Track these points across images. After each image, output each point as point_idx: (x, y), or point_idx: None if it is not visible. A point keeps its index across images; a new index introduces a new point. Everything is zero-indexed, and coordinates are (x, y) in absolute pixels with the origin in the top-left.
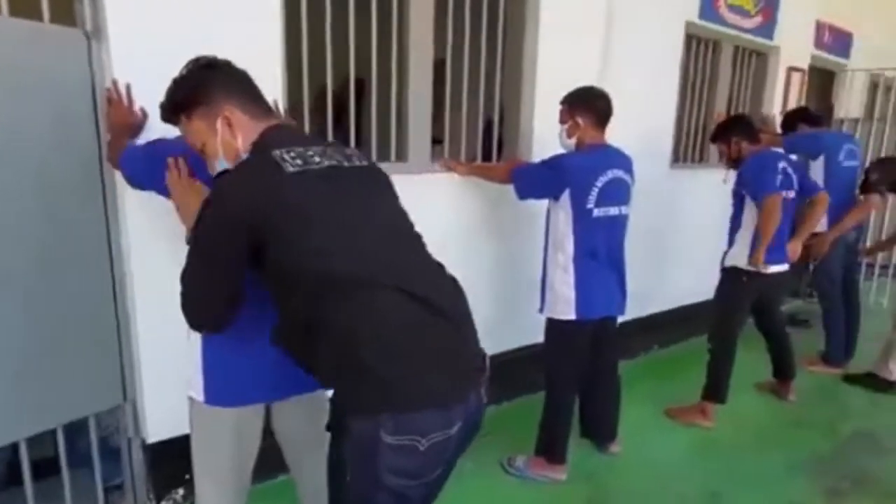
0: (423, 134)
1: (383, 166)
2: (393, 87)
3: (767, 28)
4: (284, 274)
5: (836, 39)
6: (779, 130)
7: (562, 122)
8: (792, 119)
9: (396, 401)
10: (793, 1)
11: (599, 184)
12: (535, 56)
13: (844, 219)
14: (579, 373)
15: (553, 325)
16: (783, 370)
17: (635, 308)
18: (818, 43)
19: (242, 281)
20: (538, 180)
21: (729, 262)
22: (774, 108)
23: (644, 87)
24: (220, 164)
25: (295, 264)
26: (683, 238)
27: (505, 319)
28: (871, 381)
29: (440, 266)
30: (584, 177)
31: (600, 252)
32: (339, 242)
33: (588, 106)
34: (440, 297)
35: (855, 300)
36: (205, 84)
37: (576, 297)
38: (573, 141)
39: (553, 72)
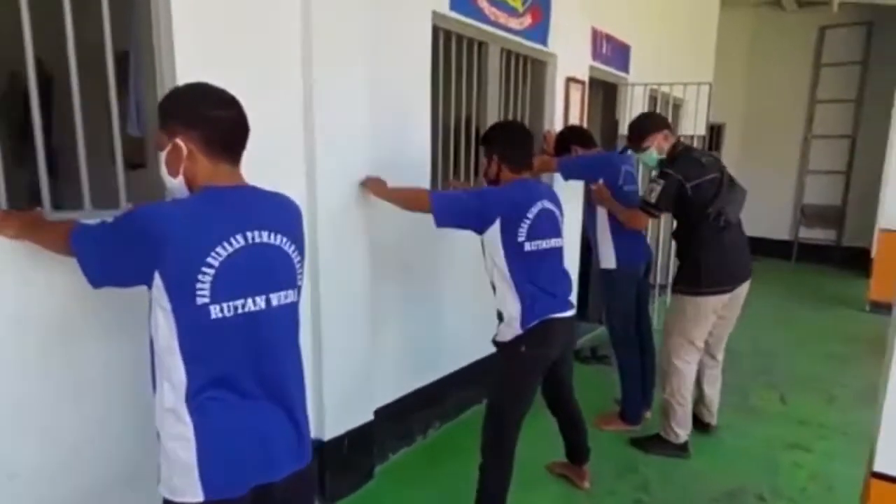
0: None
1: None
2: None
3: (539, 31)
4: None
5: (615, 51)
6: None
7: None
8: (564, 140)
9: None
10: (565, 4)
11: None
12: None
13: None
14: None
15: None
16: (576, 454)
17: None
18: (597, 54)
19: None
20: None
21: (502, 337)
22: (556, 122)
23: (389, 95)
24: None
25: None
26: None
27: None
28: (659, 446)
29: None
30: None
31: None
32: None
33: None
34: None
35: (649, 341)
36: None
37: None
38: None
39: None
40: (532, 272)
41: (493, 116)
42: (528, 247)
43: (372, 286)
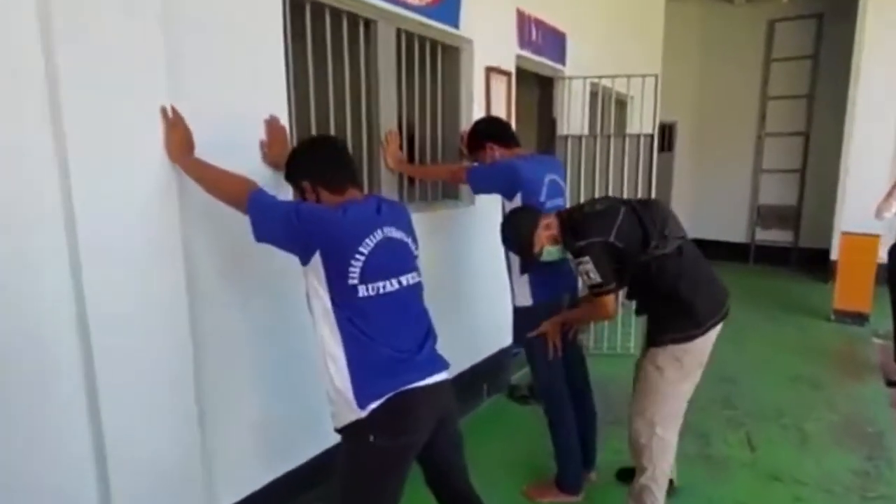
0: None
1: None
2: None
3: (446, 10)
4: None
5: (548, 39)
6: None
7: None
8: (479, 135)
9: None
10: None
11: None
12: None
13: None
14: None
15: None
16: None
17: None
18: (525, 41)
19: None
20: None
21: (339, 419)
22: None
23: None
24: None
25: None
26: None
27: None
28: None
29: None
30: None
31: None
32: None
33: None
34: None
35: (585, 386)
36: None
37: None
38: None
39: None
40: (372, 326)
41: (389, 114)
42: (363, 291)
43: (194, 332)
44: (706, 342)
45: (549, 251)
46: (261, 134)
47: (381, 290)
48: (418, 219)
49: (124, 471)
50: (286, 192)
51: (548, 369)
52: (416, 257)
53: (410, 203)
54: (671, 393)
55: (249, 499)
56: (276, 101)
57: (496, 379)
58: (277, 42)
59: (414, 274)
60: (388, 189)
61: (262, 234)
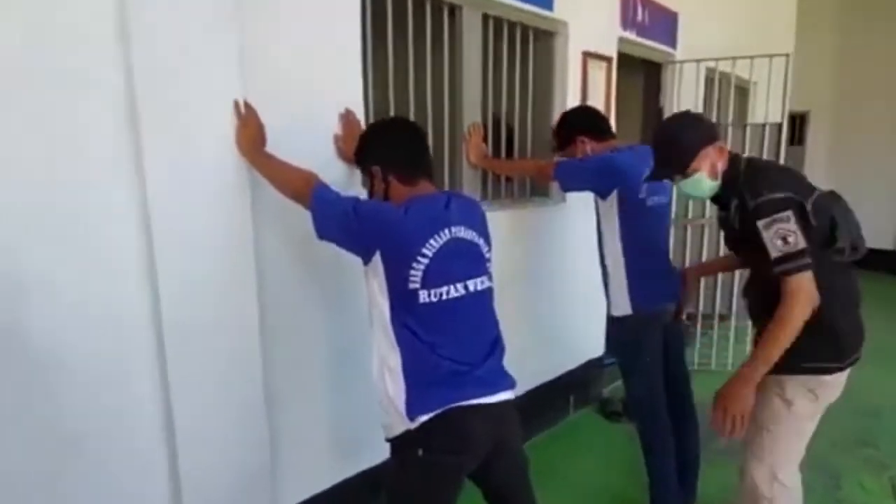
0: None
1: None
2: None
3: None
4: None
5: (656, 19)
6: None
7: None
8: (568, 127)
9: None
10: None
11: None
12: None
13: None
14: None
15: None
16: None
17: None
18: (629, 22)
19: None
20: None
21: (390, 430)
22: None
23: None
24: None
25: None
26: None
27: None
28: None
29: None
30: None
31: None
32: None
33: None
34: None
35: (687, 409)
36: None
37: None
38: None
39: None
40: (431, 334)
41: (473, 106)
42: (424, 297)
43: (264, 327)
44: (842, 379)
45: (699, 182)
46: (335, 128)
47: (445, 296)
48: (502, 218)
49: (194, 464)
50: (358, 189)
51: (645, 384)
52: (487, 260)
53: (495, 201)
54: (797, 430)
55: (315, 498)
56: (351, 94)
57: (584, 391)
58: (355, 32)
59: (483, 279)
60: (470, 185)
61: (323, 232)
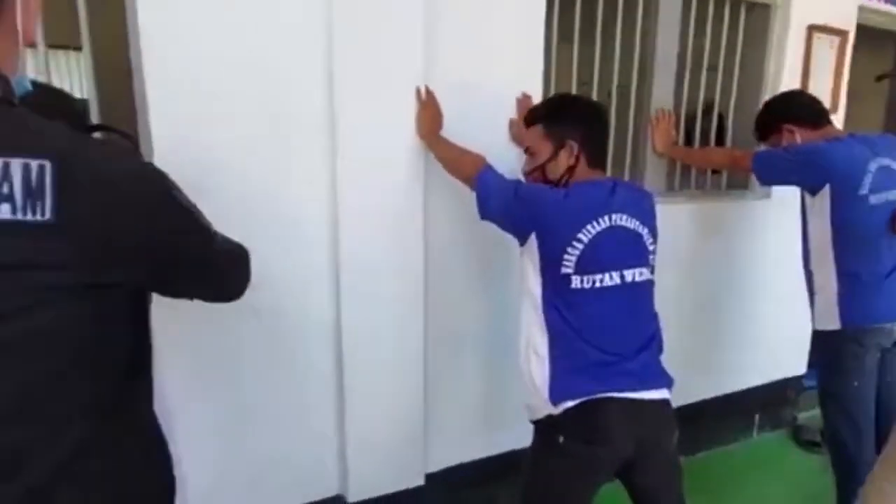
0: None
1: None
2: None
3: None
4: None
5: None
6: None
7: None
8: (771, 115)
9: None
10: None
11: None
12: None
13: None
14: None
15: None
16: None
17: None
18: None
19: None
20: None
21: (533, 411)
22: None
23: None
24: None
25: None
26: None
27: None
28: None
29: None
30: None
31: None
32: None
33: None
34: None
35: None
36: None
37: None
38: None
39: None
40: (581, 321)
41: (664, 89)
42: (576, 282)
43: (427, 298)
44: None
45: None
46: (511, 112)
47: (599, 284)
48: (690, 211)
49: (358, 426)
50: None
51: (846, 415)
52: (650, 252)
53: (683, 192)
54: None
55: (460, 467)
56: (530, 77)
57: (775, 412)
58: (538, 10)
59: (643, 270)
60: (654, 175)
61: (484, 212)
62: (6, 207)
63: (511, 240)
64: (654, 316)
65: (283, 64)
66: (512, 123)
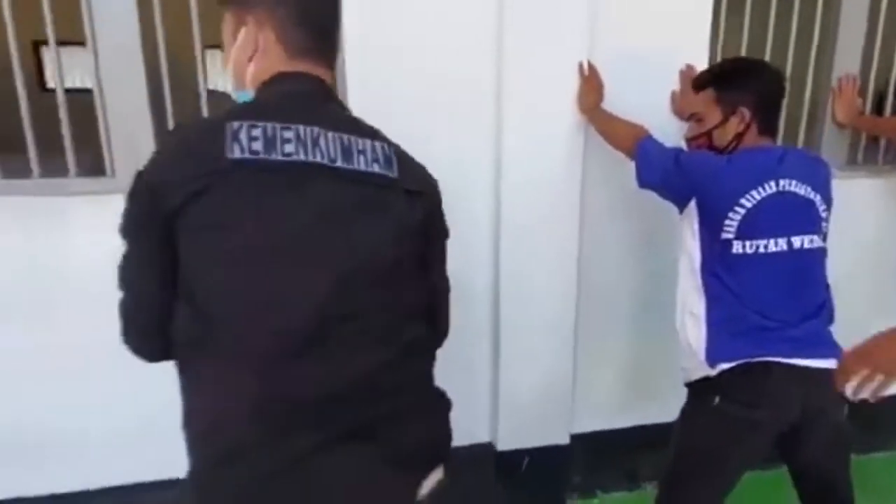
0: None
1: None
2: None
3: None
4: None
5: None
6: None
7: None
8: None
9: None
10: None
11: None
12: None
13: None
14: None
15: None
16: None
17: None
18: None
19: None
20: None
21: (689, 374)
22: None
23: None
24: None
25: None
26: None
27: None
28: None
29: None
30: None
31: None
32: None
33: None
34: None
35: None
36: None
37: None
38: None
39: None
40: (742, 286)
41: (850, 55)
42: (737, 247)
43: (581, 266)
44: None
45: None
46: (674, 84)
47: (762, 249)
48: (874, 187)
49: (510, 382)
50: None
51: None
52: (822, 220)
53: (865, 166)
54: None
55: (604, 434)
56: (696, 49)
57: None
58: None
59: (813, 237)
60: (832, 147)
61: (643, 180)
62: (376, 166)
63: (668, 207)
64: (825, 285)
65: (454, 43)
66: (674, 96)
